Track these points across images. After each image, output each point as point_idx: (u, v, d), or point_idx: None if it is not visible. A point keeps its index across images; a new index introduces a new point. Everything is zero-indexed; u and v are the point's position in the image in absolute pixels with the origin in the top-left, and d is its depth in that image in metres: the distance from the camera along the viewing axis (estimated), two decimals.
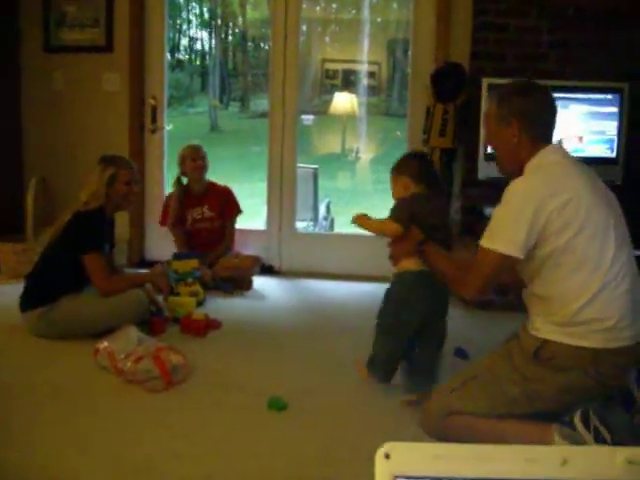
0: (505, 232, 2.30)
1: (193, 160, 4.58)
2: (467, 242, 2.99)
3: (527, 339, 2.36)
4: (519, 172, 2.40)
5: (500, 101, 2.45)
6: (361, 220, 2.86)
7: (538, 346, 2.30)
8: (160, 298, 3.80)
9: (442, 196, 3.01)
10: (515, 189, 2.33)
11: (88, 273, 3.44)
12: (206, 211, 4.65)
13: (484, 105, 2.49)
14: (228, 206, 4.72)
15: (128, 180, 3.59)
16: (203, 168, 4.64)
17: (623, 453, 0.71)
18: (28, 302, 3.45)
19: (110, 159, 3.62)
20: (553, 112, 2.45)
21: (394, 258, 2.87)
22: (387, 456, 0.71)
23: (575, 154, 4.05)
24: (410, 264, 2.81)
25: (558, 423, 2.26)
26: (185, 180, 4.66)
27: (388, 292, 2.91)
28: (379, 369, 2.89)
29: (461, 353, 3.33)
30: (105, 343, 3.06)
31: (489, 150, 2.60)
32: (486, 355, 2.56)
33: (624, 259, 2.28)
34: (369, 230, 2.87)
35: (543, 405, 2.34)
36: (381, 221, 2.84)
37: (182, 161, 4.62)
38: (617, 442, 2.14)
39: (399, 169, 2.95)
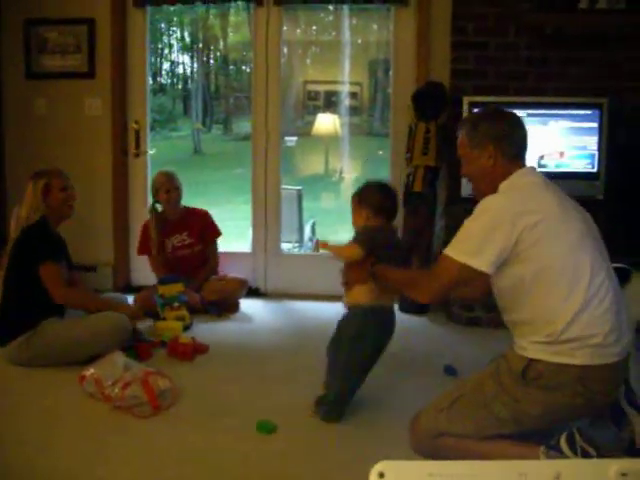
0: (472, 244, 2.32)
1: (167, 192, 4.50)
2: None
3: (514, 359, 2.36)
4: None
5: (470, 129, 2.51)
6: (324, 245, 2.91)
7: (525, 365, 2.30)
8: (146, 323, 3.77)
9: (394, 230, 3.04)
10: (488, 205, 2.36)
11: (45, 284, 3.39)
12: (186, 238, 4.60)
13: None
14: (208, 230, 4.69)
15: (63, 186, 3.56)
16: (178, 198, 4.57)
17: (615, 465, 0.71)
18: (5, 335, 3.40)
19: (40, 172, 3.59)
20: (524, 133, 2.51)
21: (347, 284, 2.89)
22: (381, 475, 0.71)
23: (557, 169, 4.13)
24: (362, 297, 2.84)
25: (545, 446, 2.26)
26: (160, 207, 4.59)
27: (341, 326, 2.93)
28: (330, 410, 2.86)
29: (450, 371, 3.33)
30: (92, 370, 3.03)
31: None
32: (473, 374, 2.56)
33: (603, 275, 2.28)
34: (334, 252, 2.88)
35: (531, 425, 2.33)
36: (344, 245, 2.88)
37: (155, 190, 4.55)
38: (604, 457, 2.14)
39: (361, 199, 2.96)
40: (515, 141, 2.47)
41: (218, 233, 4.75)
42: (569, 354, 2.23)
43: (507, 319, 2.45)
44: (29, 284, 3.40)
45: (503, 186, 2.42)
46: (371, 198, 2.94)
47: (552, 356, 2.25)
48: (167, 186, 4.52)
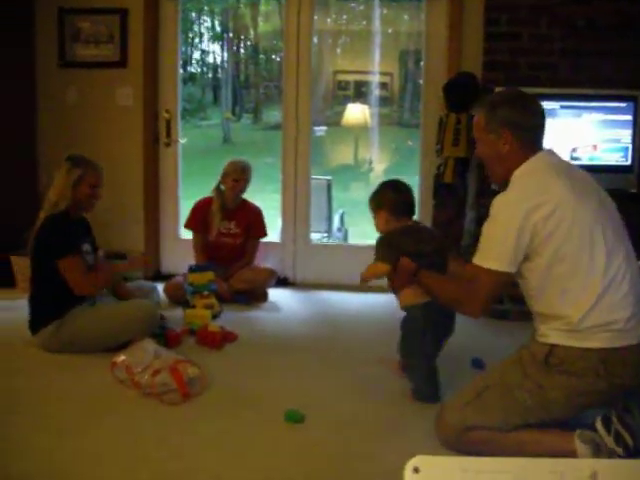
0: (494, 249, 2.34)
1: (235, 180, 4.56)
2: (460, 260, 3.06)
3: (536, 346, 2.37)
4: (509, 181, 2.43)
5: (488, 112, 2.49)
6: (367, 278, 2.91)
7: (547, 352, 2.32)
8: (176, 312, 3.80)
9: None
10: (499, 205, 2.37)
11: (65, 278, 3.39)
12: (233, 227, 4.63)
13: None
14: (255, 227, 4.71)
15: (94, 183, 3.54)
16: (243, 189, 4.63)
17: None
18: (36, 323, 3.45)
19: (77, 160, 3.56)
20: (541, 118, 2.48)
21: (395, 291, 2.94)
22: (416, 470, 0.71)
23: (590, 162, 4.08)
24: (413, 298, 2.88)
25: (579, 428, 2.27)
26: (223, 188, 4.64)
27: (404, 327, 3.00)
28: (425, 394, 2.93)
29: (478, 363, 3.32)
30: (122, 356, 3.07)
31: None
32: (495, 365, 2.57)
33: (620, 259, 2.28)
34: (371, 278, 2.90)
35: (558, 411, 2.34)
36: (372, 265, 2.90)
37: (226, 174, 4.59)
38: (638, 447, 2.14)
39: (377, 202, 2.99)
40: (532, 129, 2.45)
41: (264, 233, 4.76)
42: (588, 338, 2.24)
43: (530, 308, 2.46)
44: (52, 275, 3.41)
45: (515, 176, 2.41)
46: (385, 199, 2.97)
47: (571, 341, 2.27)
48: (238, 175, 4.57)
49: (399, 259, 2.78)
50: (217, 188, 4.62)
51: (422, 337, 2.91)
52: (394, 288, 2.94)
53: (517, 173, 2.41)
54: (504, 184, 2.45)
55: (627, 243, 2.38)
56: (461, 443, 2.41)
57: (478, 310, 2.44)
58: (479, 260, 2.37)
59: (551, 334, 2.32)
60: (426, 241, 2.93)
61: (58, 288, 3.40)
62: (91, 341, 3.42)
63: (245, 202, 4.73)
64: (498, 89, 4.13)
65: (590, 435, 2.23)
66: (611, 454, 2.16)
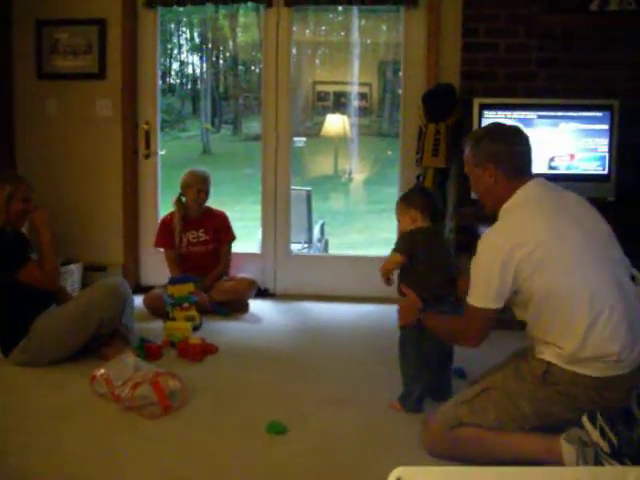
0: (480, 288, 2.43)
1: (199, 191, 4.58)
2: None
3: (534, 362, 2.41)
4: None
5: (473, 147, 2.58)
6: (383, 269, 3.05)
7: (544, 370, 2.35)
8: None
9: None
10: (484, 244, 2.45)
11: (32, 284, 3.39)
12: (202, 234, 4.65)
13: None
14: (223, 231, 4.73)
15: (25, 197, 3.50)
16: (205, 199, 4.65)
17: (634, 472, 0.70)
18: (5, 344, 3.42)
19: (5, 176, 3.54)
20: (522, 145, 2.55)
21: (400, 321, 2.98)
22: None
23: (567, 171, 4.12)
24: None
25: (565, 433, 2.29)
26: (184, 200, 4.65)
27: (401, 342, 3.03)
28: (410, 404, 2.95)
29: (459, 373, 3.32)
30: (102, 370, 3.05)
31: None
32: (497, 370, 2.63)
33: (609, 291, 2.30)
34: (388, 268, 3.03)
35: (552, 421, 2.38)
36: (388, 257, 3.05)
37: (187, 185, 4.60)
38: (622, 448, 2.15)
39: (408, 201, 3.10)
40: (516, 160, 2.52)
41: (232, 237, 4.77)
42: (585, 366, 2.29)
43: (528, 332, 2.51)
44: (8, 295, 3.40)
45: (503, 208, 2.50)
46: (417, 200, 3.09)
47: (567, 365, 2.31)
48: (201, 185, 4.59)
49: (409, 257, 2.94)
50: (178, 200, 4.64)
51: (414, 350, 2.95)
52: (400, 318, 2.98)
53: (503, 209, 2.50)
54: (496, 214, 2.54)
55: (619, 270, 2.40)
56: (448, 440, 2.46)
57: (475, 343, 2.52)
58: (470, 299, 2.46)
59: (548, 352, 2.36)
60: (443, 250, 3.08)
61: (18, 306, 3.40)
62: (62, 338, 3.40)
63: (210, 209, 4.76)
64: (476, 99, 4.18)
65: (576, 433, 2.26)
66: (596, 449, 2.17)
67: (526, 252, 2.31)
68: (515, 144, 2.53)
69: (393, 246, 3.06)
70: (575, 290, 2.30)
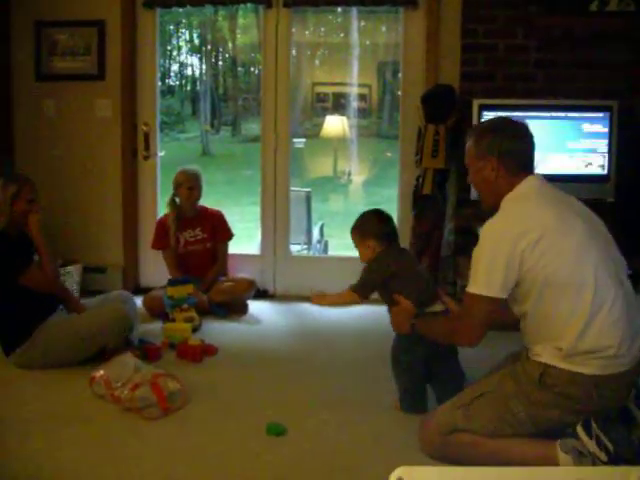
0: (484, 276, 2.35)
1: (189, 189, 4.58)
2: (445, 291, 3.10)
3: (530, 365, 2.38)
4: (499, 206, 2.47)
5: (476, 140, 2.53)
6: (317, 299, 3.06)
7: (541, 372, 2.33)
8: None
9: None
10: (487, 232, 2.40)
11: (34, 289, 3.39)
12: (199, 233, 4.64)
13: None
14: (220, 230, 4.73)
15: (30, 198, 3.48)
16: (198, 197, 4.65)
17: (636, 472, 0.70)
18: (8, 345, 3.42)
19: (11, 176, 3.54)
20: (526, 143, 2.51)
21: (393, 327, 2.93)
22: None
23: (567, 172, 4.11)
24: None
25: (560, 440, 2.28)
26: (178, 200, 4.66)
27: (394, 347, 2.98)
28: (408, 403, 2.93)
29: None
30: (101, 371, 3.04)
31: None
32: (493, 373, 2.59)
33: (610, 283, 2.29)
34: (330, 304, 3.07)
35: (548, 426, 2.35)
36: (339, 294, 3.00)
37: (178, 184, 4.60)
38: (619, 453, 2.15)
39: (362, 232, 3.02)
40: (519, 155, 2.48)
41: (230, 235, 4.77)
42: (581, 363, 2.26)
43: (523, 329, 2.47)
44: (12, 295, 3.39)
45: (504, 202, 2.45)
46: (371, 227, 3.00)
47: (565, 364, 2.28)
48: (191, 184, 4.58)
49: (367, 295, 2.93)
50: (171, 201, 4.65)
51: (407, 355, 2.91)
52: (392, 324, 2.92)
53: (506, 199, 2.45)
54: (494, 209, 2.48)
55: (620, 269, 2.38)
56: (445, 445, 2.43)
57: (474, 338, 2.42)
58: (471, 287, 2.38)
59: (545, 353, 2.33)
60: (411, 263, 3.03)
61: (22, 307, 3.39)
62: (64, 351, 3.39)
63: (204, 208, 4.76)
64: (476, 100, 4.18)
65: (572, 443, 2.25)
66: (594, 459, 2.17)
67: (532, 240, 2.26)
68: (520, 140, 2.49)
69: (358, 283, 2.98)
70: (582, 280, 2.26)
